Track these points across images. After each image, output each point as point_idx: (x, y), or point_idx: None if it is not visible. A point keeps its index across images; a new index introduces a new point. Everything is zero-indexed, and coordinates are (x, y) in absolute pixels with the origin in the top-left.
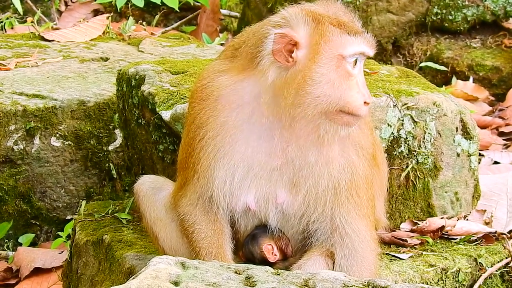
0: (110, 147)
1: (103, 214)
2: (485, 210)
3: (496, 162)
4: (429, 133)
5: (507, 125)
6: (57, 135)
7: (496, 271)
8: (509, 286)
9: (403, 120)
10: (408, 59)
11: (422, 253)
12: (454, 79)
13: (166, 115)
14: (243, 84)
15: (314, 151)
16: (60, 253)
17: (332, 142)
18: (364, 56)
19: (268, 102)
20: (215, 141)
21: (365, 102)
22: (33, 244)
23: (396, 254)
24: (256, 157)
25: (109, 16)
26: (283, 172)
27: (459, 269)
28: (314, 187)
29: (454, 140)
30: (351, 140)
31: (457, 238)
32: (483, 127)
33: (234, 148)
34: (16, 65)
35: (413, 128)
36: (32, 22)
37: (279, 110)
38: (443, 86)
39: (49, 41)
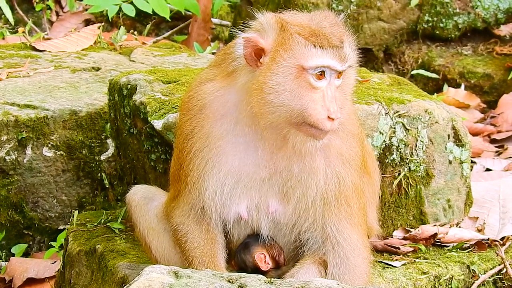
0: (102, 157)
1: (95, 223)
2: (477, 217)
3: (488, 169)
4: (421, 141)
5: (499, 132)
6: (49, 145)
7: (489, 278)
8: None
9: (395, 128)
10: (399, 66)
11: (415, 260)
12: (445, 86)
13: (158, 124)
14: (225, 91)
15: (297, 162)
16: (53, 263)
17: (311, 152)
18: (332, 70)
19: (246, 109)
20: (202, 153)
21: (329, 117)
22: (26, 254)
23: (389, 262)
24: (244, 168)
25: (100, 26)
26: (273, 182)
27: (452, 276)
28: (303, 197)
29: (446, 148)
30: (335, 151)
31: (449, 246)
32: (475, 134)
33: (221, 159)
34: (7, 75)
35: (405, 135)
36: (23, 32)
37: (255, 119)
38: (435, 93)
39: (41, 51)
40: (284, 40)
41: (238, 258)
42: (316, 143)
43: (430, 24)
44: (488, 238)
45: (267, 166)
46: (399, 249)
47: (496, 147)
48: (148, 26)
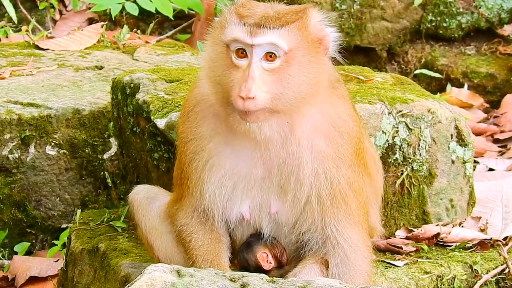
0: (105, 156)
1: (98, 222)
2: (480, 217)
3: (491, 169)
4: (424, 140)
5: (502, 132)
6: (52, 143)
7: (492, 278)
8: None
9: (398, 127)
10: (402, 66)
11: (417, 260)
12: (448, 86)
13: (160, 123)
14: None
15: (282, 150)
16: (55, 261)
17: (274, 140)
18: (244, 45)
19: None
20: (198, 156)
21: (240, 97)
22: (29, 252)
23: (392, 261)
24: (240, 169)
25: (103, 25)
26: (272, 178)
27: (455, 276)
28: (298, 192)
29: (449, 147)
30: (317, 149)
31: (452, 245)
32: (478, 134)
33: (214, 161)
34: (10, 73)
35: (407, 135)
36: (26, 31)
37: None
38: (438, 93)
39: (44, 49)
40: (223, 18)
41: (240, 257)
42: (248, 126)
43: (434, 24)
44: (491, 238)
45: (263, 163)
46: (402, 248)
47: (499, 147)
48: (151, 25)
